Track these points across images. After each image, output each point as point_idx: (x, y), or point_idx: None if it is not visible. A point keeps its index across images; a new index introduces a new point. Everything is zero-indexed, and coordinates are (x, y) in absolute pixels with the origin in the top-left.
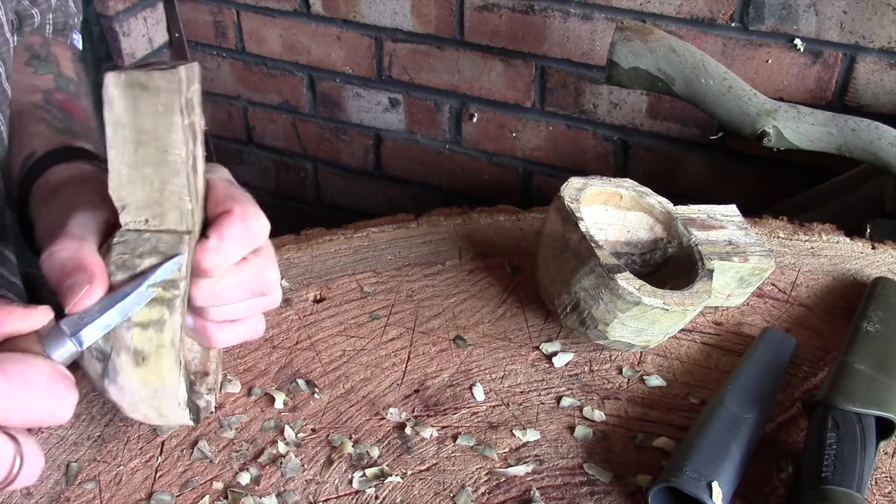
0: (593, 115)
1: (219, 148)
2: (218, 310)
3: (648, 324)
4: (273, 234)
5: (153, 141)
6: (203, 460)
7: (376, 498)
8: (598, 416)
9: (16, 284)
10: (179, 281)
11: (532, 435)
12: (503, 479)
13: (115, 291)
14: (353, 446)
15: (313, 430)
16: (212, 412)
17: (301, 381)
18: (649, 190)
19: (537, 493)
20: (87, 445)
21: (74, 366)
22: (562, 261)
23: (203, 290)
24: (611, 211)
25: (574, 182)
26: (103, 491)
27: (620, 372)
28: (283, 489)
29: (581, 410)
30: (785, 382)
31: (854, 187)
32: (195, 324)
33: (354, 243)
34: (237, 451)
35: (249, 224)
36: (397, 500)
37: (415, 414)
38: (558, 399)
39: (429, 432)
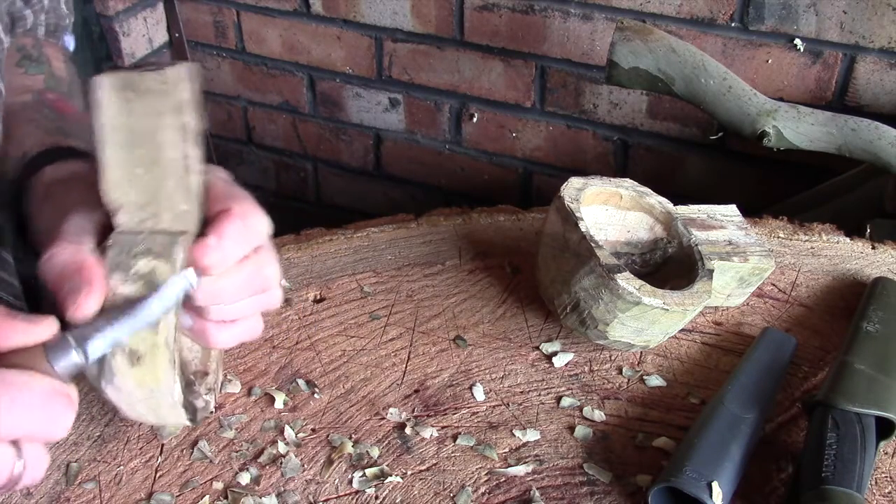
0: (593, 115)
1: (219, 148)
2: (218, 309)
3: (648, 324)
4: (273, 235)
5: (145, 142)
6: (203, 460)
7: (376, 498)
8: (598, 416)
9: (13, 285)
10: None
11: (532, 435)
12: (503, 479)
13: (125, 305)
14: (353, 446)
15: (313, 430)
16: (211, 412)
17: (301, 381)
18: (649, 190)
19: (537, 493)
20: (87, 445)
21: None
22: (562, 261)
23: (203, 288)
24: (611, 211)
25: (574, 182)
26: (103, 491)
27: (620, 372)
28: (283, 489)
29: (581, 410)
30: (785, 382)
31: (854, 187)
32: (195, 324)
33: (354, 243)
34: (237, 451)
35: (249, 223)
36: (397, 500)
37: (415, 414)
38: (558, 399)
39: (429, 432)
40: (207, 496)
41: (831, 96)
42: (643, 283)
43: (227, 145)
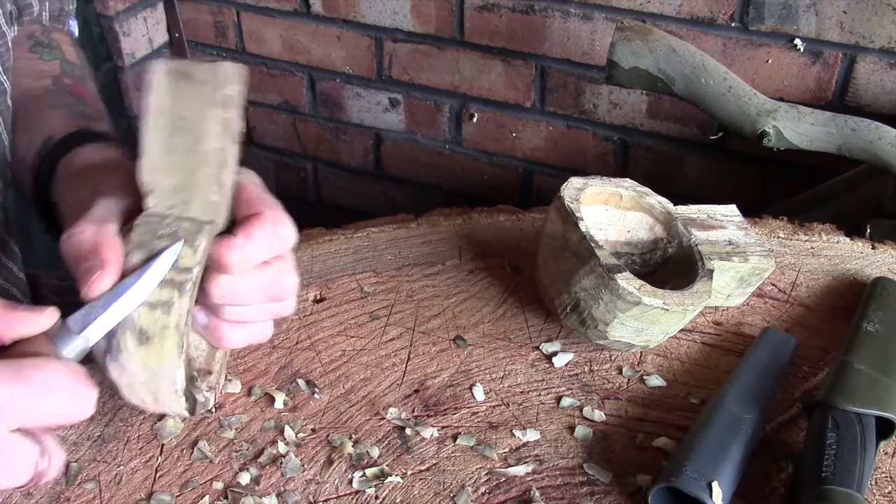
0: (593, 115)
1: None
2: (232, 309)
3: (648, 324)
4: None
5: (189, 129)
6: (203, 460)
7: (376, 498)
8: (598, 416)
9: (22, 280)
10: (193, 266)
11: (532, 435)
12: (503, 479)
13: (119, 283)
14: (353, 446)
15: (313, 430)
16: (210, 410)
17: (301, 381)
18: (649, 190)
19: (537, 493)
20: (87, 445)
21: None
22: (562, 261)
23: (222, 286)
24: (611, 211)
25: (574, 182)
26: (103, 491)
27: (620, 372)
28: (283, 489)
29: (581, 410)
30: (785, 382)
31: (854, 187)
32: (208, 321)
33: (354, 243)
34: (237, 451)
35: (278, 230)
36: (397, 500)
37: (415, 414)
38: (558, 399)
39: (429, 432)
40: (207, 496)
41: (831, 96)
42: (643, 283)
43: None
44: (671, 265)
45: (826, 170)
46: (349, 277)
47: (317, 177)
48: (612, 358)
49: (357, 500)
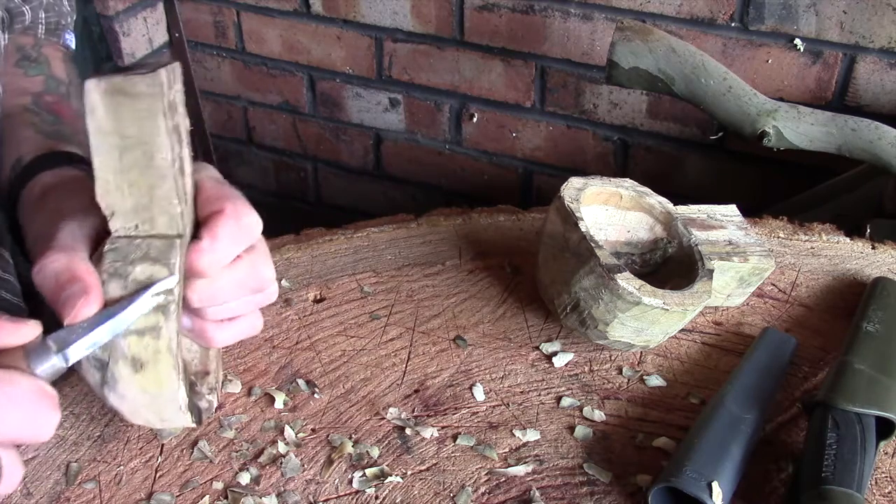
0: (593, 115)
1: (219, 148)
2: (215, 309)
3: (648, 324)
4: (273, 234)
5: (138, 146)
6: (203, 460)
7: (376, 498)
8: (598, 416)
9: (13, 284)
10: (173, 287)
11: (532, 435)
12: (503, 479)
13: (105, 309)
14: (353, 446)
15: (313, 430)
16: (215, 410)
17: (301, 381)
18: (649, 190)
19: (537, 493)
20: (87, 445)
21: (69, 371)
22: (562, 261)
23: (199, 291)
24: (611, 211)
25: (574, 182)
26: (103, 491)
27: (620, 372)
28: (283, 489)
29: (581, 410)
30: (785, 382)
31: (854, 187)
32: (193, 325)
33: (354, 243)
34: (237, 451)
35: (242, 222)
36: (397, 500)
37: (415, 414)
38: (558, 399)
39: (429, 432)
40: (207, 496)
41: (831, 96)
42: (643, 283)
43: (227, 145)
44: (671, 265)
45: (826, 170)
46: (349, 277)
47: (317, 177)
48: (612, 358)
49: (357, 500)
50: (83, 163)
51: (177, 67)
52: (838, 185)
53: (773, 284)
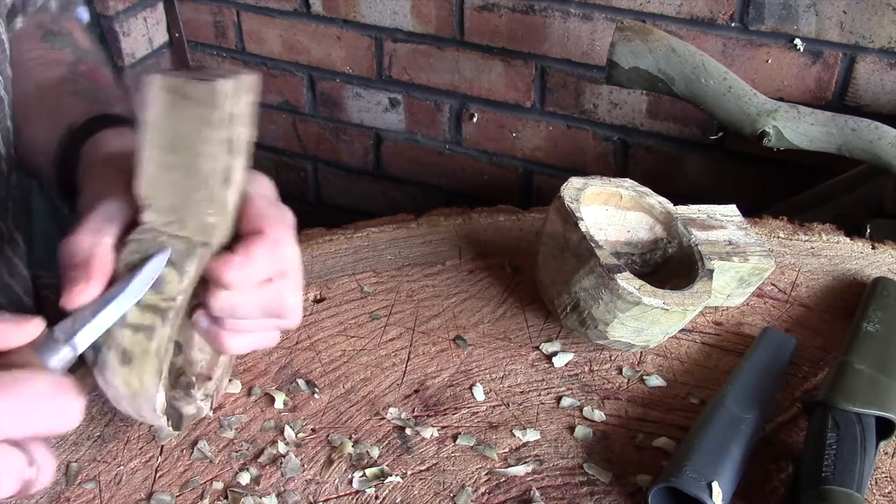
0: (593, 115)
1: None
2: (233, 321)
3: (648, 324)
4: None
5: (186, 149)
6: (203, 460)
7: (376, 498)
8: (598, 416)
9: (25, 277)
10: (177, 295)
11: (532, 435)
12: (503, 479)
13: (107, 292)
14: (353, 446)
15: (313, 430)
16: (206, 417)
17: (301, 381)
18: (649, 190)
19: (537, 493)
20: (87, 445)
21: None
22: (562, 261)
23: (221, 301)
24: (611, 211)
25: (574, 182)
26: (103, 491)
27: (620, 372)
28: (283, 489)
29: (581, 410)
30: (785, 382)
31: (854, 187)
32: (209, 327)
33: (354, 243)
34: (237, 451)
35: (278, 251)
36: (397, 500)
37: (415, 414)
38: (558, 399)
39: (429, 432)
40: (207, 496)
41: (831, 96)
42: (643, 283)
43: None
44: (671, 265)
45: (826, 170)
46: (349, 277)
47: (317, 177)
48: (612, 358)
49: (357, 500)
50: (135, 125)
51: (250, 79)
52: (838, 185)
53: (773, 284)
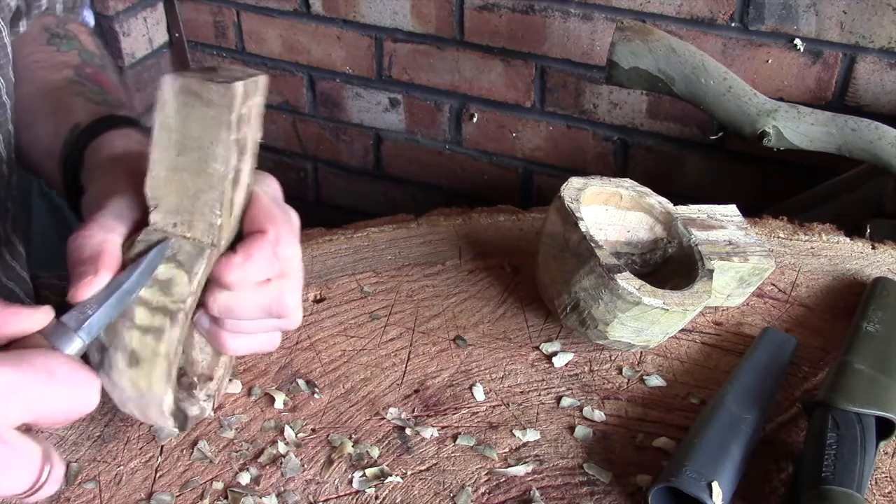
0: (593, 115)
1: None
2: (233, 321)
3: (648, 324)
4: None
5: (197, 150)
6: (203, 460)
7: (376, 498)
8: (598, 416)
9: (25, 280)
10: (187, 297)
11: (532, 435)
12: (503, 479)
13: (112, 281)
14: (353, 446)
15: (313, 430)
16: (207, 417)
17: (301, 381)
18: (649, 190)
19: (537, 493)
20: (87, 445)
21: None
22: (562, 261)
23: (219, 300)
24: (611, 211)
25: (574, 182)
26: (103, 491)
27: (620, 372)
28: (283, 489)
29: (581, 410)
30: (785, 382)
31: (854, 187)
32: (210, 327)
33: (354, 243)
34: (237, 451)
35: (280, 251)
36: (397, 500)
37: (415, 414)
38: (558, 399)
39: (429, 432)
40: (207, 496)
41: (831, 96)
42: (643, 283)
43: None
44: (671, 265)
45: (826, 170)
46: (349, 277)
47: (317, 177)
48: (612, 358)
49: (357, 500)
50: (142, 128)
51: (262, 80)
52: (838, 185)
53: (773, 284)
